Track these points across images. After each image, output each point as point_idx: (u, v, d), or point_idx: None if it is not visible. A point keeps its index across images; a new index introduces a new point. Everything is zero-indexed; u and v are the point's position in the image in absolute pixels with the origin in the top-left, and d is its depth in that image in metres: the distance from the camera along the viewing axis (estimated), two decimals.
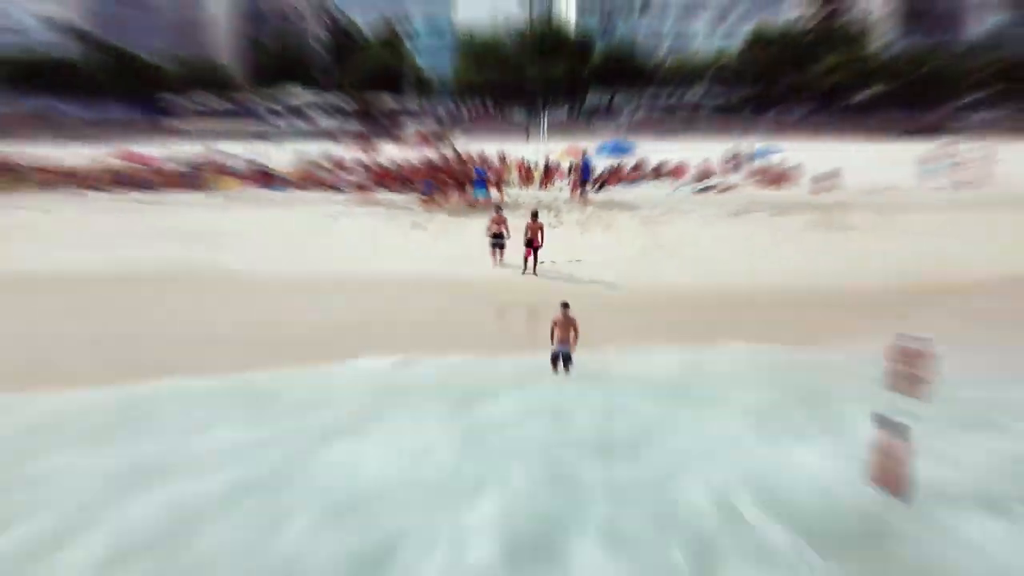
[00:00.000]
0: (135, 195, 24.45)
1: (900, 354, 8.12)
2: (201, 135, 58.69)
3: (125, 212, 21.58)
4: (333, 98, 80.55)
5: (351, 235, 18.39)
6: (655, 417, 8.09)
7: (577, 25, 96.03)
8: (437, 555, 5.83)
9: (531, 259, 14.71)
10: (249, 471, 6.94)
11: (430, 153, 27.73)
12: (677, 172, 28.58)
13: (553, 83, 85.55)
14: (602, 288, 13.66)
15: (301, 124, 71.75)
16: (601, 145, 42.43)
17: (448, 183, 23.33)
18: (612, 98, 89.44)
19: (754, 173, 28.79)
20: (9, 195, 23.81)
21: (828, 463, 6.95)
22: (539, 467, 7.04)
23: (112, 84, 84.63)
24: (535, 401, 8.56)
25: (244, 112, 77.62)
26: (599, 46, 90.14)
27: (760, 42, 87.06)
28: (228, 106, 78.96)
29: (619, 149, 40.92)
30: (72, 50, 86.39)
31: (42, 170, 26.94)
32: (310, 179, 26.95)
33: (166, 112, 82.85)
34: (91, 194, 24.52)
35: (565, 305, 9.38)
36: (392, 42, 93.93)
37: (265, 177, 27.18)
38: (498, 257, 15.30)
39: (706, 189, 26.02)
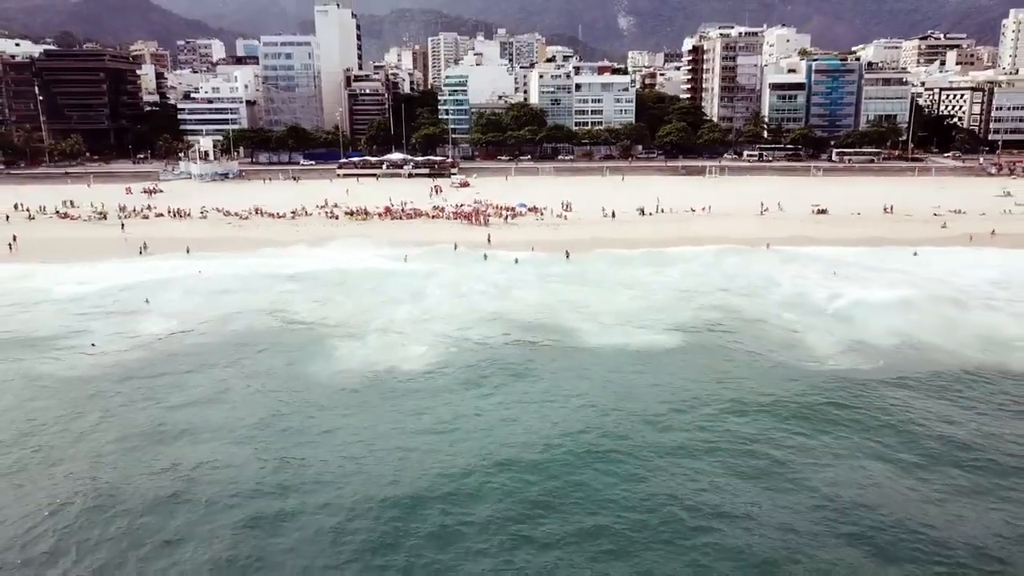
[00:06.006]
0: (396, 221, 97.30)
1: None
2: (347, 174, 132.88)
3: (401, 225, 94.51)
4: (407, 153, 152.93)
5: (446, 230, 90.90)
6: None
7: (539, 104, 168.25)
8: (474, 284, 75.46)
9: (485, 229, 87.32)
10: (439, 270, 79.24)
11: (466, 197, 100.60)
12: (536, 210, 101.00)
13: (524, 139, 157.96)
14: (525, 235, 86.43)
15: (397, 169, 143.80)
16: (519, 203, 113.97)
17: (476, 215, 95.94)
18: (554, 148, 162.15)
19: (558, 209, 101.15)
20: (363, 223, 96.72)
21: None
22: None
23: (287, 143, 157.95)
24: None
25: (362, 162, 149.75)
26: (550, 118, 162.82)
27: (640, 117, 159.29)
28: (355, 158, 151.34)
29: (522, 204, 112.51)
30: (262, 122, 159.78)
31: (379, 213, 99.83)
32: (434, 215, 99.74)
33: (316, 158, 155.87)
34: (388, 220, 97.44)
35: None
36: (437, 117, 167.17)
37: (416, 213, 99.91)
38: (488, 236, 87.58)
39: (542, 215, 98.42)
